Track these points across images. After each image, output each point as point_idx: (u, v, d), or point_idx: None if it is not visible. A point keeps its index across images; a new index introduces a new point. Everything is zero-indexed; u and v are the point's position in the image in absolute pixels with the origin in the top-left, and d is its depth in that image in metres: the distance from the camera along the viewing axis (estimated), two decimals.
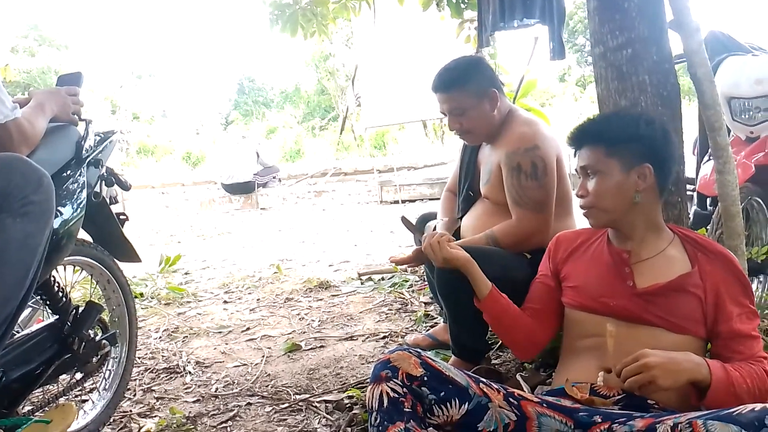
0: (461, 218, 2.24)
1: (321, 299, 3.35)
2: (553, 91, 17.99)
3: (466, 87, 2.00)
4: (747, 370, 1.25)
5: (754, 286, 2.52)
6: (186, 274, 4.37)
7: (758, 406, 1.04)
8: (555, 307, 1.56)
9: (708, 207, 2.78)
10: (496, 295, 1.58)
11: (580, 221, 2.01)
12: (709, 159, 2.70)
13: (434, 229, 2.28)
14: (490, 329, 1.95)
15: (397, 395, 1.22)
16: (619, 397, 1.30)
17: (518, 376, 1.90)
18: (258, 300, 3.44)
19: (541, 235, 1.89)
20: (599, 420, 1.23)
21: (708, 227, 2.47)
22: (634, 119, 1.45)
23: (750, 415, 1.02)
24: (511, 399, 1.30)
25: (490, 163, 2.06)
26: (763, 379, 1.24)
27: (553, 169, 1.94)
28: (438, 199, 2.45)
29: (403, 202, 7.94)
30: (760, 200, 2.60)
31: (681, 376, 1.19)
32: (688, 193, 2.39)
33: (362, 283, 3.61)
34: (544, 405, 1.31)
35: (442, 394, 1.25)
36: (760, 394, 1.23)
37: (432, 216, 2.40)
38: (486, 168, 2.09)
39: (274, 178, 9.24)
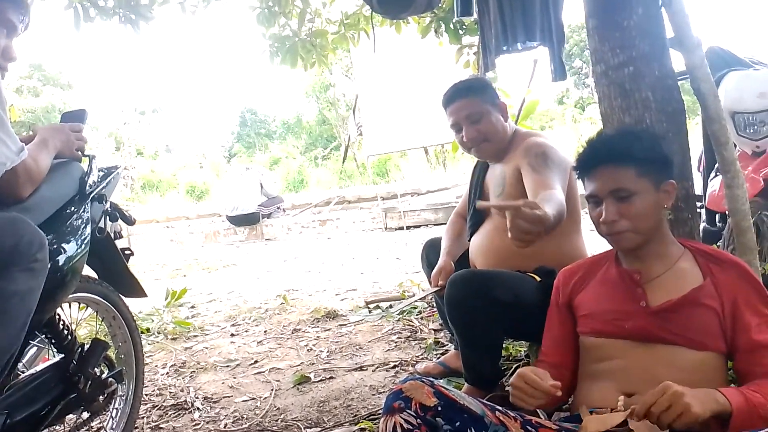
0: (470, 238, 2.21)
1: (329, 329, 3.31)
2: (552, 114, 18.09)
3: (482, 94, 2.09)
4: None
5: None
6: (192, 307, 4.34)
7: None
8: (574, 357, 1.49)
9: (717, 223, 2.75)
10: None
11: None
12: (716, 175, 2.69)
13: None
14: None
15: (411, 426, 1.18)
16: None
17: None
18: (265, 332, 3.41)
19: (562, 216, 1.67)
20: None
21: (719, 243, 2.45)
22: (654, 136, 1.43)
23: None
24: (528, 427, 1.26)
25: (501, 176, 2.07)
26: None
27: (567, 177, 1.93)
28: (443, 224, 2.43)
29: (408, 228, 7.92)
30: None
31: (707, 405, 1.12)
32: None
33: (370, 312, 3.57)
34: None
35: (458, 424, 1.21)
36: None
37: (437, 241, 2.37)
38: (497, 182, 2.09)
39: (278, 208, 9.26)
